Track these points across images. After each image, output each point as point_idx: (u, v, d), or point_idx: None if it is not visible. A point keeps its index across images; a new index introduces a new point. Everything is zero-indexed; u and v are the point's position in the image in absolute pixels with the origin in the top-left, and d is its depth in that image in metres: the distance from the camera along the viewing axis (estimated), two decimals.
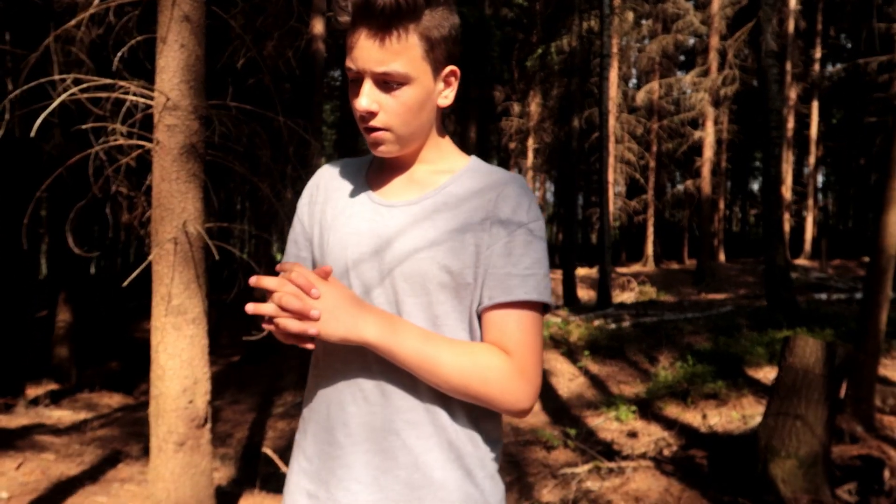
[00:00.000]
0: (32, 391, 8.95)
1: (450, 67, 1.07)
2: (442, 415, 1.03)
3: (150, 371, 3.30)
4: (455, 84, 1.09)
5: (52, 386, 9.59)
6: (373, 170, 1.19)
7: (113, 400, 9.54)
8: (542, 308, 1.05)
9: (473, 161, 1.13)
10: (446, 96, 1.09)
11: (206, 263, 3.35)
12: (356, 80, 1.03)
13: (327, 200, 1.17)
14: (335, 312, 0.94)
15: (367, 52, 0.99)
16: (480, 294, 1.04)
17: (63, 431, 7.00)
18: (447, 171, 1.12)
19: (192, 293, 3.26)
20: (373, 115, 1.02)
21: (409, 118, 1.03)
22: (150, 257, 3.16)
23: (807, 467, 3.93)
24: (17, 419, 7.57)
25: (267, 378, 10.00)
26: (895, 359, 6.53)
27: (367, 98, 1.01)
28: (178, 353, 3.24)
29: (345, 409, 1.05)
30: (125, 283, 2.91)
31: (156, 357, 3.26)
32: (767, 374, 6.50)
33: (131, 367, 11.57)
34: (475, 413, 1.06)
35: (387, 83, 1.01)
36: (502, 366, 1.00)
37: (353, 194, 1.15)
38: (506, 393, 1.00)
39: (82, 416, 8.24)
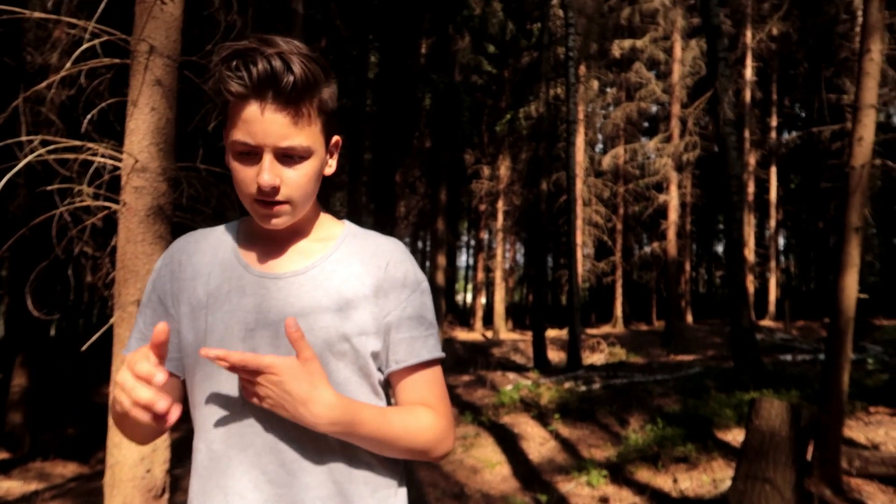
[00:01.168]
0: None
1: (335, 137, 1.10)
2: (348, 484, 1.03)
3: (107, 438, 3.18)
4: (337, 154, 1.12)
5: (3, 455, 9.17)
6: (242, 240, 1.12)
7: (67, 469, 9.13)
8: (440, 362, 1.13)
9: (348, 226, 1.15)
10: (331, 165, 1.11)
11: None
12: (248, 154, 0.98)
13: (196, 276, 1.08)
14: (292, 391, 0.94)
15: (270, 126, 0.95)
16: (386, 358, 1.08)
17: None
18: (327, 238, 1.12)
19: None
20: (276, 190, 0.99)
21: (309, 190, 1.03)
22: (112, 320, 3.10)
23: None
24: None
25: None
26: (859, 420, 6.59)
27: (270, 173, 0.97)
28: None
29: (245, 497, 0.99)
30: (84, 348, 2.83)
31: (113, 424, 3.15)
32: (736, 436, 6.50)
33: (89, 434, 11.13)
34: (373, 466, 1.07)
35: (287, 156, 0.99)
36: (437, 422, 1.08)
37: (228, 268, 1.08)
38: (442, 444, 1.09)
39: (33, 486, 7.86)
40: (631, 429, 7.63)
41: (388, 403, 1.13)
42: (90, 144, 3.10)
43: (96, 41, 3.03)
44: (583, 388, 9.78)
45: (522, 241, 30.54)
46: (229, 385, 1.02)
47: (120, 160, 3.22)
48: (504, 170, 23.15)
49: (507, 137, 21.86)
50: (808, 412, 4.15)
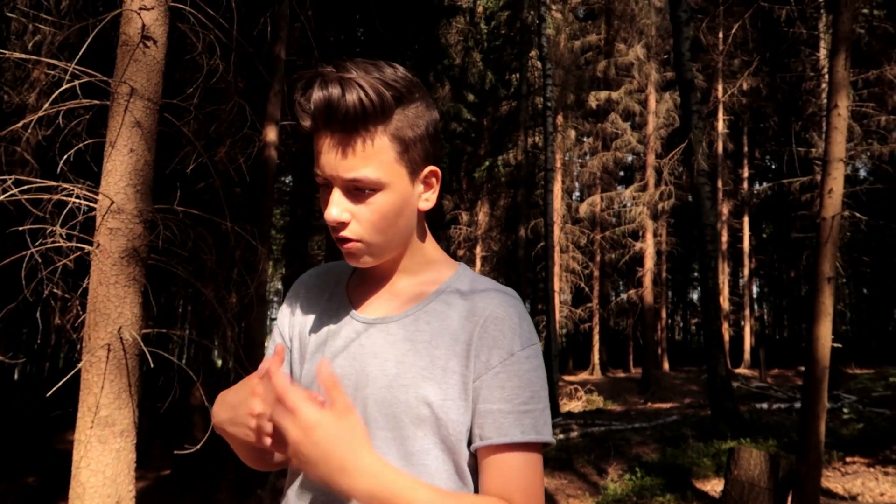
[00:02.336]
0: None
1: (429, 168, 0.96)
2: None
3: (70, 489, 3.05)
4: (436, 186, 0.98)
5: None
6: (354, 279, 1.07)
7: None
8: (541, 447, 0.93)
9: (461, 270, 1.03)
10: (427, 199, 0.98)
11: (139, 371, 3.20)
12: (326, 186, 0.93)
13: (307, 313, 1.07)
14: (326, 450, 0.79)
15: (334, 158, 0.89)
16: (470, 432, 0.92)
17: None
18: (431, 282, 1.01)
19: (123, 403, 3.09)
20: (343, 225, 0.92)
21: (383, 226, 0.93)
22: (80, 364, 3.01)
23: None
24: None
25: (201, 493, 9.38)
26: (836, 470, 6.58)
27: (337, 207, 0.91)
28: (101, 469, 3.02)
29: None
30: (49, 394, 2.74)
31: (76, 473, 3.02)
32: (715, 486, 6.45)
33: (50, 483, 10.72)
34: None
35: (358, 189, 0.90)
36: None
37: (333, 308, 1.04)
38: None
39: None
40: (609, 478, 7.54)
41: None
42: (65, 185, 3.06)
43: (76, 82, 3.02)
44: (560, 435, 9.68)
45: None
46: None
47: (95, 201, 3.17)
48: (483, 216, 23.32)
49: (486, 184, 22.10)
50: (787, 462, 4.13)
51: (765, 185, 27.80)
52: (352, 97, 0.86)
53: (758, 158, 28.59)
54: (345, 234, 0.93)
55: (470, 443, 0.93)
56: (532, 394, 0.91)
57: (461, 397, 0.91)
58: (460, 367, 0.92)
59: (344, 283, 1.07)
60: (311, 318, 1.06)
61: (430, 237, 1.05)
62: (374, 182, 0.90)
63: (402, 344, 0.94)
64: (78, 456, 3.04)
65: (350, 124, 0.87)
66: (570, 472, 8.02)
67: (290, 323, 1.08)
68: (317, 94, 0.87)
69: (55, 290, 3.39)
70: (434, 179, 0.98)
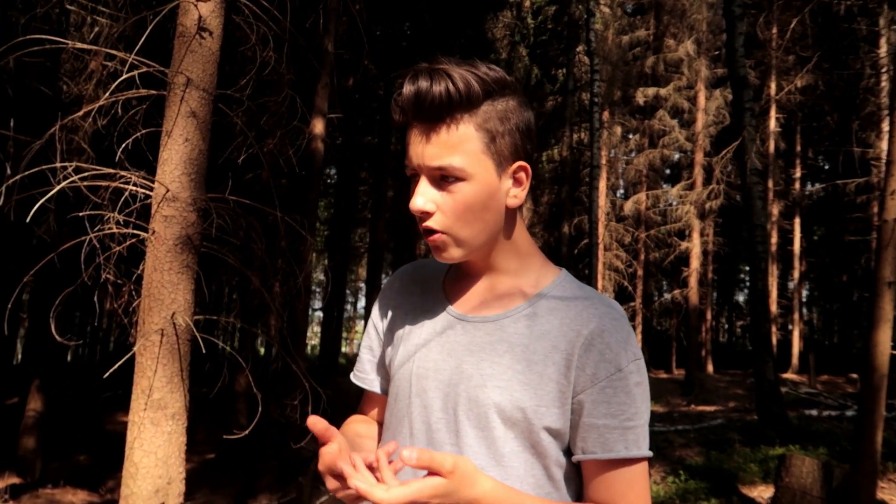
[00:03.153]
0: None
1: (519, 163, 0.96)
2: None
3: (123, 468, 3.13)
4: (527, 183, 0.97)
5: (14, 479, 9.12)
6: (450, 275, 1.08)
7: (77, 497, 9.06)
8: (644, 459, 0.94)
9: (563, 276, 1.02)
10: (516, 195, 0.97)
11: (190, 357, 3.26)
12: (414, 178, 0.96)
13: (401, 305, 1.09)
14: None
15: (421, 146, 0.91)
16: (574, 444, 0.93)
17: None
18: (532, 285, 1.00)
19: (175, 387, 3.15)
20: (428, 215, 0.93)
21: (468, 218, 0.92)
22: (135, 348, 3.08)
23: None
24: None
25: (242, 479, 9.57)
26: (891, 481, 6.35)
27: (422, 196, 0.92)
28: (153, 451, 3.09)
29: None
30: (106, 375, 2.81)
31: (130, 454, 3.10)
32: (762, 492, 6.28)
33: (100, 462, 11.07)
34: None
35: (443, 179, 0.92)
36: None
37: (427, 300, 1.05)
38: None
39: None
40: (652, 480, 7.42)
41: (578, 498, 0.97)
42: (123, 172, 3.13)
43: (135, 72, 3.08)
44: None
45: None
46: (409, 416, 1.00)
47: (151, 189, 3.24)
48: (526, 212, 23.20)
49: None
50: (841, 471, 3.99)
51: (818, 185, 26.96)
52: (438, 86, 0.88)
53: (811, 158, 27.73)
54: (429, 224, 0.93)
55: (569, 452, 0.94)
56: (636, 410, 0.91)
57: (556, 405, 0.91)
58: (558, 375, 0.91)
59: (440, 279, 1.08)
60: (404, 310, 1.08)
61: (527, 238, 1.03)
62: (458, 170, 0.90)
63: (499, 344, 0.94)
64: (131, 437, 3.11)
65: (435, 112, 0.89)
66: None
67: (382, 315, 1.11)
68: (408, 87, 0.90)
69: (109, 276, 3.48)
70: (524, 175, 0.97)
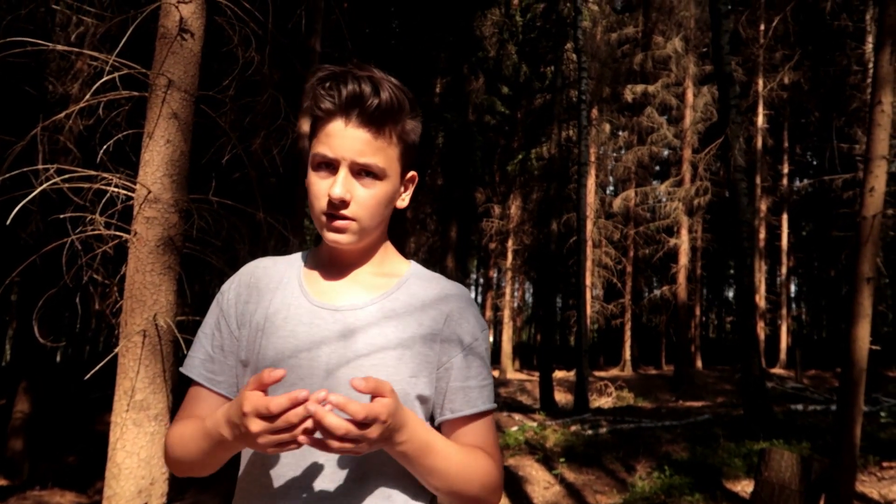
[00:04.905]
0: None
1: (412, 172, 1.13)
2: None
3: (106, 469, 3.15)
4: (411, 189, 1.14)
5: (2, 481, 9.09)
6: (308, 268, 1.14)
7: (65, 499, 9.04)
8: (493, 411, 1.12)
9: (415, 266, 1.15)
10: (404, 199, 1.13)
11: (174, 357, 3.28)
12: (326, 167, 1.03)
13: (259, 300, 1.10)
14: (389, 429, 0.91)
15: (352, 142, 1.00)
16: (441, 406, 1.08)
17: None
18: (391, 274, 1.12)
19: (157, 388, 3.17)
20: (345, 204, 1.02)
21: (376, 212, 1.05)
22: (117, 349, 3.09)
23: None
24: None
25: (233, 475, 9.57)
26: (871, 474, 6.44)
27: (342, 187, 1.01)
28: (136, 451, 3.10)
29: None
30: (87, 377, 2.82)
31: (113, 455, 3.12)
32: (745, 487, 6.36)
33: (88, 463, 11.03)
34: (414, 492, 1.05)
35: (361, 174, 1.03)
36: (493, 469, 1.06)
37: (288, 294, 1.09)
38: (495, 494, 1.07)
39: None
40: (638, 475, 7.48)
41: None
42: (105, 174, 3.14)
43: (116, 74, 3.09)
44: (589, 431, 9.63)
45: (531, 280, 30.47)
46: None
47: (133, 190, 3.25)
48: (515, 209, 23.24)
49: (519, 177, 21.99)
50: (819, 465, 4.05)
51: (805, 181, 27.17)
52: (383, 95, 1.01)
53: (798, 154, 27.91)
54: (345, 212, 1.03)
55: (431, 418, 1.08)
56: (488, 371, 1.11)
57: (424, 374, 1.04)
58: (425, 348, 1.05)
59: (296, 273, 1.12)
60: (262, 305, 1.09)
61: (386, 234, 1.17)
62: (380, 170, 1.03)
63: (370, 328, 1.04)
64: (114, 438, 3.13)
65: (374, 117, 1.01)
66: (599, 468, 7.98)
67: (237, 311, 1.11)
68: (351, 87, 1.00)
69: (95, 276, 3.49)
70: (411, 184, 1.14)
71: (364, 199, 1.03)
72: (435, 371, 1.06)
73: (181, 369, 1.14)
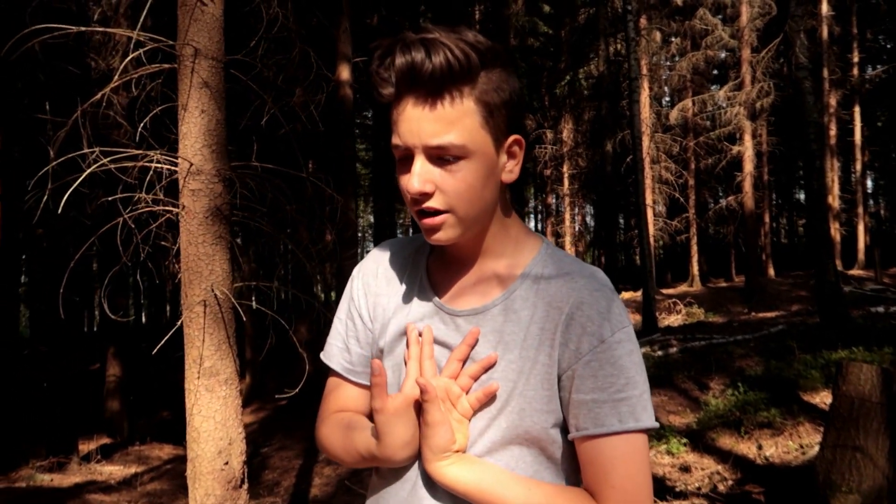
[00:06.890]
0: (85, 447, 9.14)
1: (513, 137, 0.93)
2: None
3: (186, 434, 3.31)
4: (521, 156, 0.95)
5: (105, 440, 9.78)
6: (433, 260, 1.04)
7: (163, 451, 9.67)
8: (644, 432, 0.89)
9: (544, 249, 0.99)
10: (511, 170, 0.94)
11: (235, 323, 3.37)
12: (405, 159, 0.90)
13: (386, 292, 1.05)
14: (441, 424, 0.90)
15: (417, 123, 0.86)
16: (567, 423, 0.92)
17: (114, 488, 7.10)
18: (515, 265, 0.98)
19: (224, 354, 3.28)
20: (427, 196, 0.88)
21: (472, 196, 0.89)
22: (181, 320, 3.20)
23: (871, 502, 3.71)
24: (70, 477, 7.71)
25: (313, 422, 10.02)
26: None
27: (420, 178, 0.87)
28: (212, 415, 3.24)
29: None
30: (154, 351, 2.93)
31: (190, 419, 3.27)
32: (824, 398, 6.22)
33: (181, 417, 11.74)
34: None
35: (442, 158, 0.87)
36: None
37: (412, 290, 1.02)
38: None
39: (133, 469, 8.36)
40: (711, 394, 7.42)
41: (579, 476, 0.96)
42: (146, 152, 3.17)
43: (141, 50, 3.08)
44: (659, 352, 9.57)
45: (591, 203, 29.95)
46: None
47: (176, 164, 3.28)
48: (567, 133, 22.67)
49: (569, 99, 21.34)
50: None
51: (878, 69, 25.33)
52: (438, 58, 0.83)
53: (869, 40, 25.99)
54: (430, 204, 0.89)
55: (566, 431, 0.93)
56: (627, 380, 0.88)
57: (544, 387, 0.90)
58: (547, 355, 0.91)
59: (423, 264, 1.04)
60: (387, 299, 1.04)
61: (514, 213, 1.00)
62: (459, 148, 0.86)
63: (489, 336, 0.94)
64: (190, 404, 3.27)
65: (436, 86, 0.84)
66: (670, 388, 7.95)
67: (367, 305, 1.06)
68: (399, 60, 0.84)
69: (161, 244, 3.59)
70: (517, 149, 0.94)
71: (451, 185, 0.87)
72: (556, 382, 0.91)
73: (321, 356, 1.10)
